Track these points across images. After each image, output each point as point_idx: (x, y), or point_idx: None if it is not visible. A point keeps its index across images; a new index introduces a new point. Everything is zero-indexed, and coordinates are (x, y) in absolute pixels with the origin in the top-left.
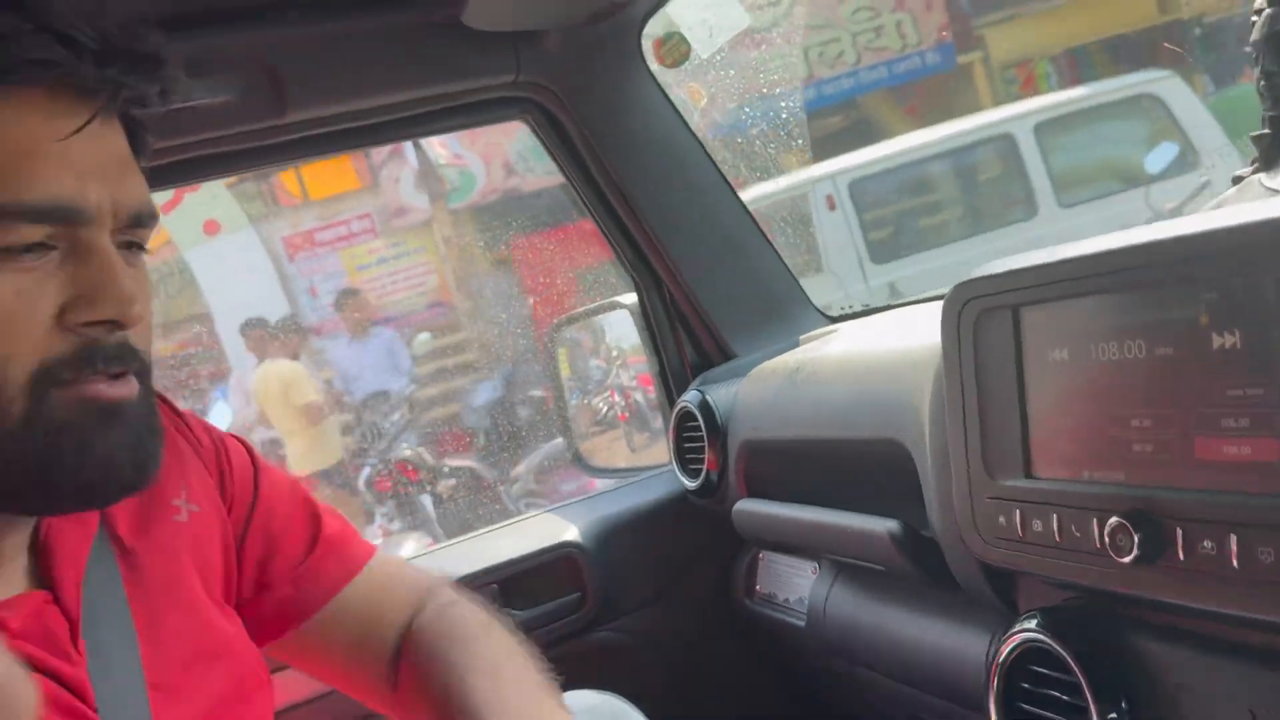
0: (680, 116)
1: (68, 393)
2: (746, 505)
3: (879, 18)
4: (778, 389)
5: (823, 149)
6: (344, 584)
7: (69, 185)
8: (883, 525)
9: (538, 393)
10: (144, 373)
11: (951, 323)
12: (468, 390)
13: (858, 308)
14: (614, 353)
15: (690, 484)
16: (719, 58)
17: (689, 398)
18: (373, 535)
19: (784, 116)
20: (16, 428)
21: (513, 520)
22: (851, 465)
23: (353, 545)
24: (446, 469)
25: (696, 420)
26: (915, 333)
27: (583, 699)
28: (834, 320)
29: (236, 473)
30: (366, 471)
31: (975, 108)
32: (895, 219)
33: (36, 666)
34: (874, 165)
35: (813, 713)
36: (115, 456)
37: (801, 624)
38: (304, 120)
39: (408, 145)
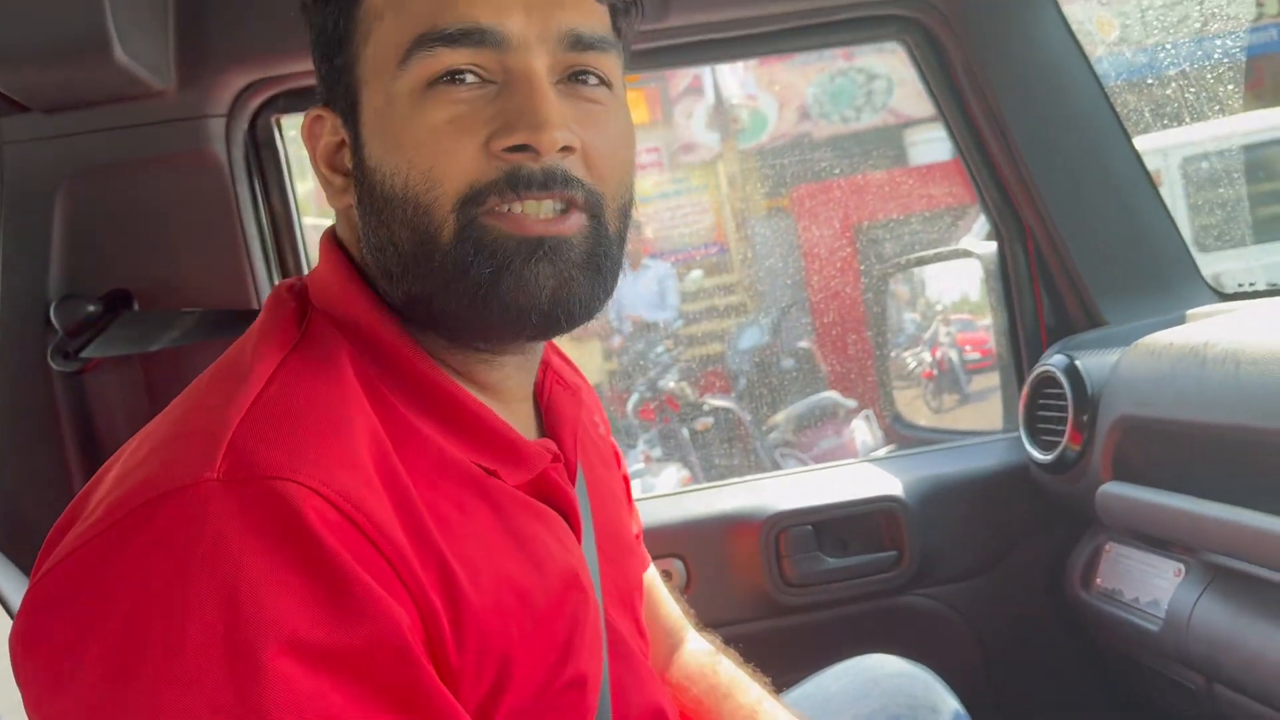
0: (1081, 49)
1: (492, 217)
2: (1118, 489)
3: None
4: (1176, 365)
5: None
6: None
7: (486, 10)
8: None
9: (803, 344)
10: (595, 208)
11: None
12: (732, 333)
13: (1257, 286)
14: (935, 306)
15: (1041, 456)
16: None
17: (1054, 361)
18: (636, 459)
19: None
20: (449, 246)
21: (830, 464)
22: (1277, 463)
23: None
24: (706, 407)
25: (1059, 387)
26: None
27: (890, 664)
28: (1226, 297)
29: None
30: (635, 398)
31: None
32: (1230, 205)
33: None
34: (1211, 143)
35: None
36: (532, 287)
37: (1155, 629)
38: (683, 26)
39: (706, 81)
